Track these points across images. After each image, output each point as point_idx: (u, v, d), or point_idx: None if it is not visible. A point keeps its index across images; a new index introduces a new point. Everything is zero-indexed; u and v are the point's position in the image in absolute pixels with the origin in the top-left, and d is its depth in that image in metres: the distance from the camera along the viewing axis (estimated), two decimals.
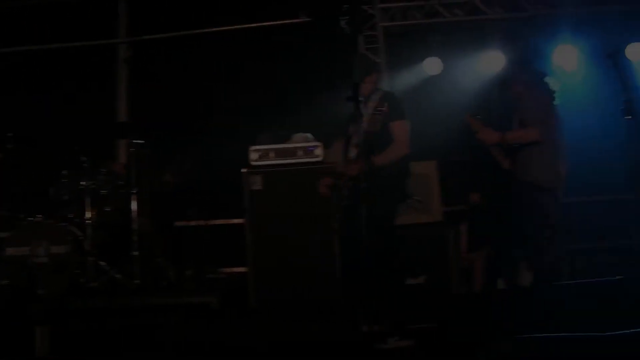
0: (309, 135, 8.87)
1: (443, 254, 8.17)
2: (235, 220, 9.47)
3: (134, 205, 8.52)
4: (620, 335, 4.44)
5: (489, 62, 11.13)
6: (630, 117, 6.69)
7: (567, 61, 11.11)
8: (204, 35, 10.41)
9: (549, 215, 7.73)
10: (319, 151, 8.38)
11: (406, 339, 6.16)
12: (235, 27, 10.47)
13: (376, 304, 6.00)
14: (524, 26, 11.15)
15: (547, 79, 8.12)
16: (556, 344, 4.54)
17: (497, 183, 8.56)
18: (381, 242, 6.33)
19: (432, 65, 11.02)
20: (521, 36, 11.04)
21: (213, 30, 10.43)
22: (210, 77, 10.45)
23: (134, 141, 8.70)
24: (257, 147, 8.73)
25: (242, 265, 8.84)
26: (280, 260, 8.26)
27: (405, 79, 11.10)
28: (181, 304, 7.82)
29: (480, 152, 9.14)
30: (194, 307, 7.76)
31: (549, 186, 7.75)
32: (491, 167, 8.35)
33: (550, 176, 7.79)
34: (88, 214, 8.43)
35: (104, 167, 8.71)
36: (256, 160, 8.68)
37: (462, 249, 9.95)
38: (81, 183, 8.49)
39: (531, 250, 8.03)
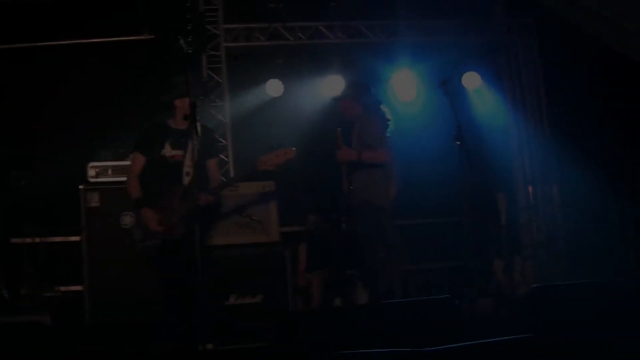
0: None
1: (280, 273, 8.23)
2: (72, 238, 9.30)
3: None
4: (442, 350, 4.61)
5: (329, 86, 11.31)
6: (459, 142, 6.97)
7: (405, 87, 11.39)
8: (45, 48, 10.21)
9: (387, 235, 7.93)
10: None
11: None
12: (76, 41, 10.32)
13: (202, 323, 6.01)
14: (364, 52, 11.39)
15: (382, 107, 8.35)
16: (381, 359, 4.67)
17: (335, 203, 8.70)
18: (205, 264, 6.37)
19: (273, 87, 11.13)
20: (361, 61, 11.28)
21: (53, 44, 10.25)
22: (50, 91, 10.24)
23: None
24: (95, 163, 8.64)
25: (79, 283, 8.70)
26: (114, 279, 8.19)
27: (247, 100, 11.17)
28: (14, 322, 7.64)
29: (320, 173, 9.30)
30: (27, 325, 7.59)
31: (386, 207, 7.96)
32: (330, 187, 8.50)
33: (387, 198, 8.00)
34: None
35: None
36: (94, 177, 8.59)
37: (301, 268, 10.07)
38: None
39: (368, 270, 8.20)
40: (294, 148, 6.96)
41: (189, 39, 10.43)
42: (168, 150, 6.99)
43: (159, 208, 6.84)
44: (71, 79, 10.21)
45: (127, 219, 7.26)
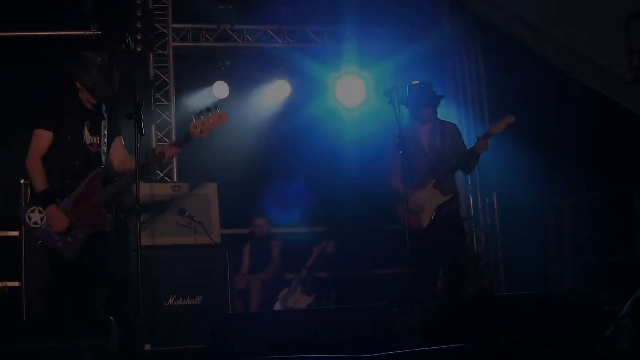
0: None
1: (221, 275, 8.21)
2: (11, 233, 9.19)
3: None
4: (379, 356, 4.68)
5: (276, 90, 11.37)
6: (401, 151, 7.05)
7: (351, 93, 11.43)
8: None
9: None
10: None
11: None
12: (21, 33, 10.25)
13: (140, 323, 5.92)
14: (311, 57, 11.43)
15: None
16: None
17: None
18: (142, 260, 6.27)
19: (220, 89, 11.11)
20: (308, 66, 11.31)
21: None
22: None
23: None
24: None
25: (16, 279, 8.62)
26: None
27: (194, 101, 11.16)
28: None
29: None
30: None
31: None
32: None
33: None
34: None
35: None
36: None
37: (243, 270, 10.08)
38: None
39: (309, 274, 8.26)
40: (226, 112, 6.59)
41: (137, 37, 10.41)
42: (87, 137, 6.39)
43: (75, 200, 6.30)
44: (13, 72, 10.10)
45: (36, 216, 6.32)
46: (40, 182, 6.26)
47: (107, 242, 6.36)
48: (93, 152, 6.38)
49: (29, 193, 8.29)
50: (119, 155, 6.63)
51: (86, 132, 6.36)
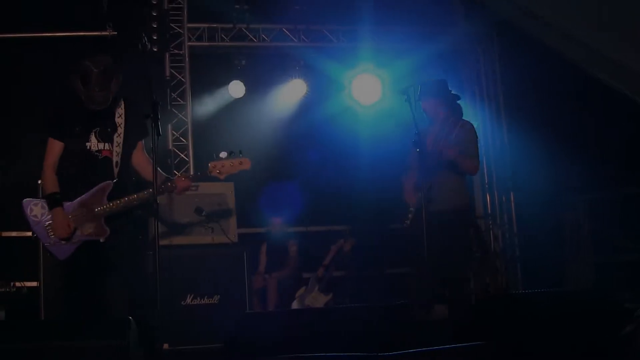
0: None
1: (238, 274, 8.21)
2: (29, 233, 9.20)
3: None
4: (397, 355, 4.67)
5: (292, 89, 11.38)
6: (418, 149, 7.03)
7: (367, 92, 11.42)
8: (9, 40, 10.18)
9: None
10: None
11: None
12: (37, 34, 10.28)
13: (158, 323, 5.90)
14: (327, 55, 11.42)
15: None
16: None
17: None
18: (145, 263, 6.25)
19: (236, 89, 11.13)
20: (323, 65, 11.31)
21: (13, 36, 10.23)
22: (16, 81, 10.16)
23: None
24: None
25: (35, 279, 8.64)
26: None
27: (210, 101, 11.19)
28: None
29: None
30: None
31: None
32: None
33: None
34: None
35: None
36: None
37: (260, 269, 10.10)
38: None
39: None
40: (249, 160, 6.50)
41: (153, 37, 10.45)
42: (94, 144, 6.28)
43: (78, 205, 6.25)
44: (28, 72, 10.13)
45: (38, 210, 6.20)
46: (48, 188, 6.26)
47: (101, 249, 6.28)
48: (100, 158, 6.30)
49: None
50: (138, 158, 6.52)
51: (93, 139, 6.27)
